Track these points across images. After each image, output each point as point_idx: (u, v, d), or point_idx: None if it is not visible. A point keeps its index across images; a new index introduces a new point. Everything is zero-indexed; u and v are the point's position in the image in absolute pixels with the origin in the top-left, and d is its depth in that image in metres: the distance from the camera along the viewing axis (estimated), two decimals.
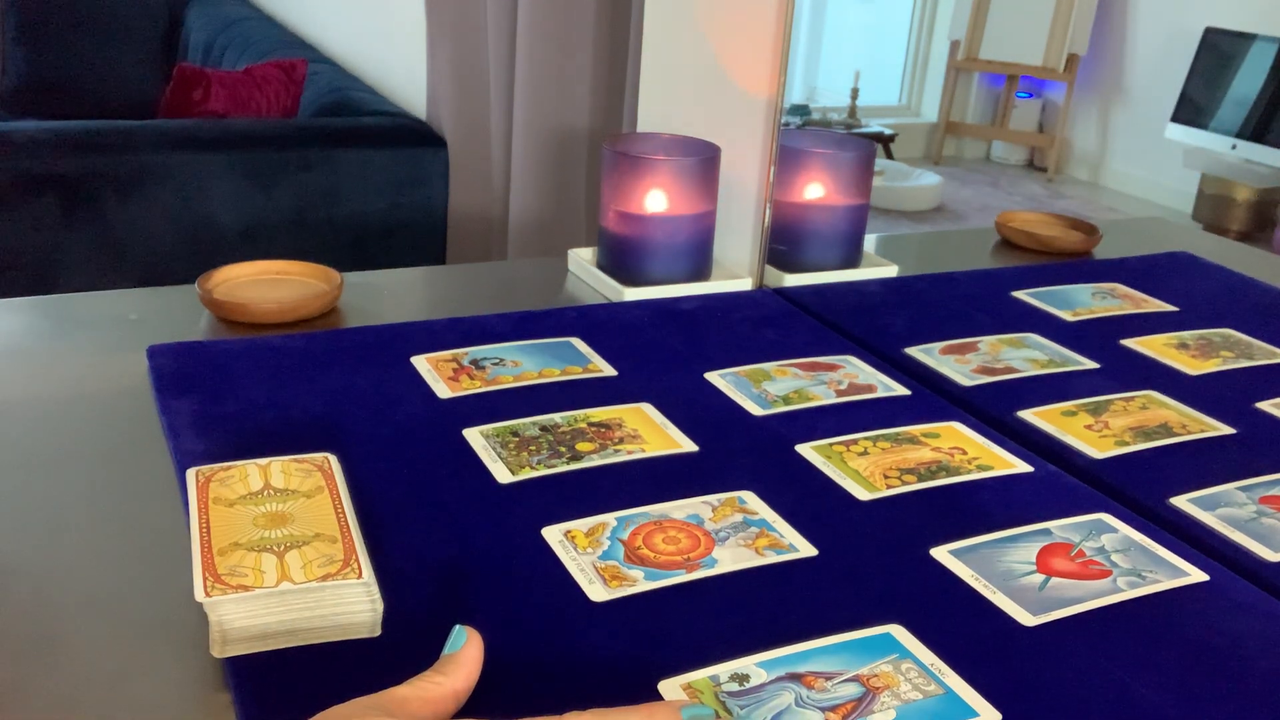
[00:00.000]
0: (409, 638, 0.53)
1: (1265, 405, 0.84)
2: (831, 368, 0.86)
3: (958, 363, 0.89)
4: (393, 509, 0.63)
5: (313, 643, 0.52)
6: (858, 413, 0.79)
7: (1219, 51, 1.27)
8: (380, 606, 0.53)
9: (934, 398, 0.83)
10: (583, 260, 1.06)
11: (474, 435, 0.72)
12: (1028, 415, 0.81)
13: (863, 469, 0.71)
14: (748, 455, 0.73)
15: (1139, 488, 0.71)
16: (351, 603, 0.52)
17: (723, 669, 0.52)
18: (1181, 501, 0.70)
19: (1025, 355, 0.91)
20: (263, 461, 0.61)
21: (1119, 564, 0.62)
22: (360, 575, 0.52)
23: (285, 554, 0.53)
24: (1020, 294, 1.05)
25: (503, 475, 0.68)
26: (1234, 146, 1.29)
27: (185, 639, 0.53)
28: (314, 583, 0.52)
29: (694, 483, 0.68)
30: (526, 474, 0.68)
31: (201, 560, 0.52)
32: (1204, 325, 0.99)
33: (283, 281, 0.95)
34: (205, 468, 0.61)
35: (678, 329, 0.92)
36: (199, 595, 0.50)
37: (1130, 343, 0.95)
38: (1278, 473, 0.74)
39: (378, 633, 0.53)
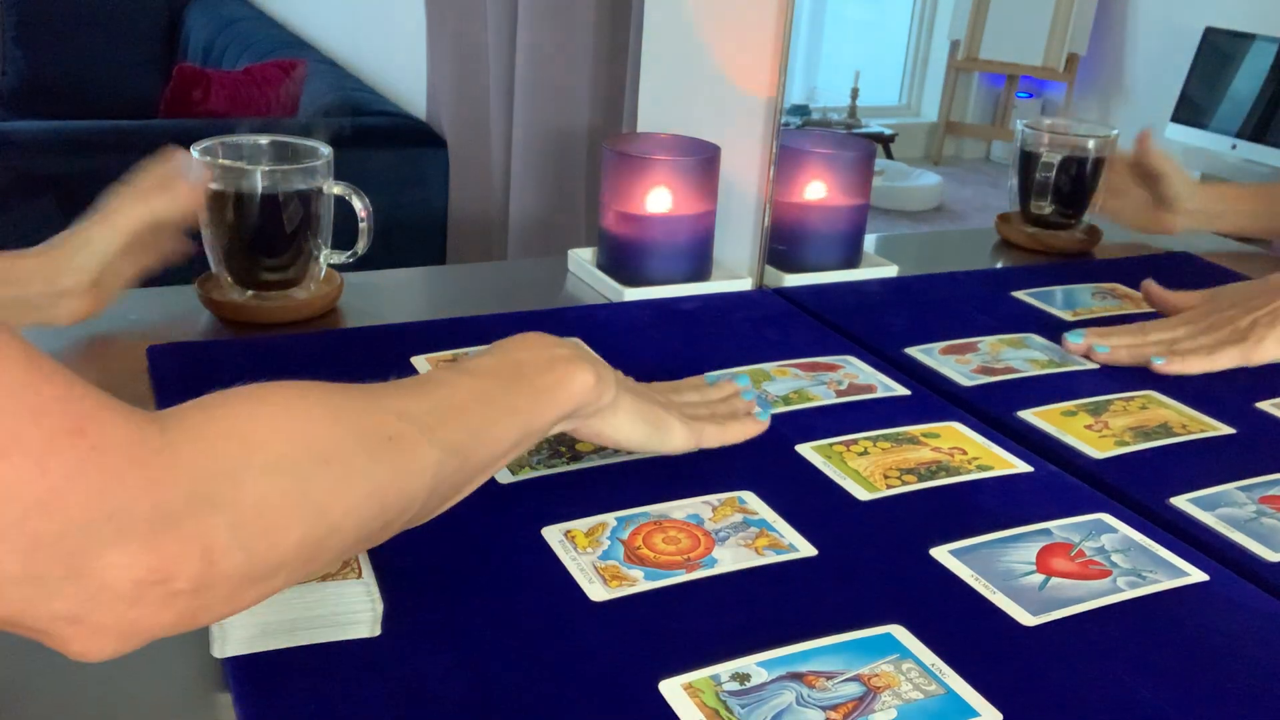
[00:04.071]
0: (409, 638, 0.53)
1: (1265, 405, 0.84)
2: (831, 368, 0.86)
3: (958, 363, 0.89)
4: None
5: (313, 642, 0.52)
6: (858, 413, 0.79)
7: (1219, 51, 1.27)
8: (380, 607, 0.53)
9: (934, 398, 0.83)
10: (583, 260, 1.06)
11: None
12: (1028, 415, 0.81)
13: (863, 469, 0.71)
14: (748, 455, 0.73)
15: (1139, 488, 0.71)
16: (351, 602, 0.52)
17: (723, 669, 0.52)
18: (1181, 501, 0.70)
19: (1025, 355, 0.91)
20: None
21: (1119, 564, 0.62)
22: (360, 575, 0.52)
23: None
24: (1020, 294, 1.05)
25: (503, 475, 0.68)
26: (1234, 146, 1.29)
27: (185, 639, 0.53)
28: (314, 583, 0.52)
29: (694, 483, 0.68)
30: (526, 474, 0.68)
31: None
32: None
33: None
34: None
35: (678, 329, 0.92)
36: None
37: None
38: (1278, 473, 0.74)
39: (378, 632, 0.53)
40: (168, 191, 0.80)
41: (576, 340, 0.64)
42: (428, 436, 0.49)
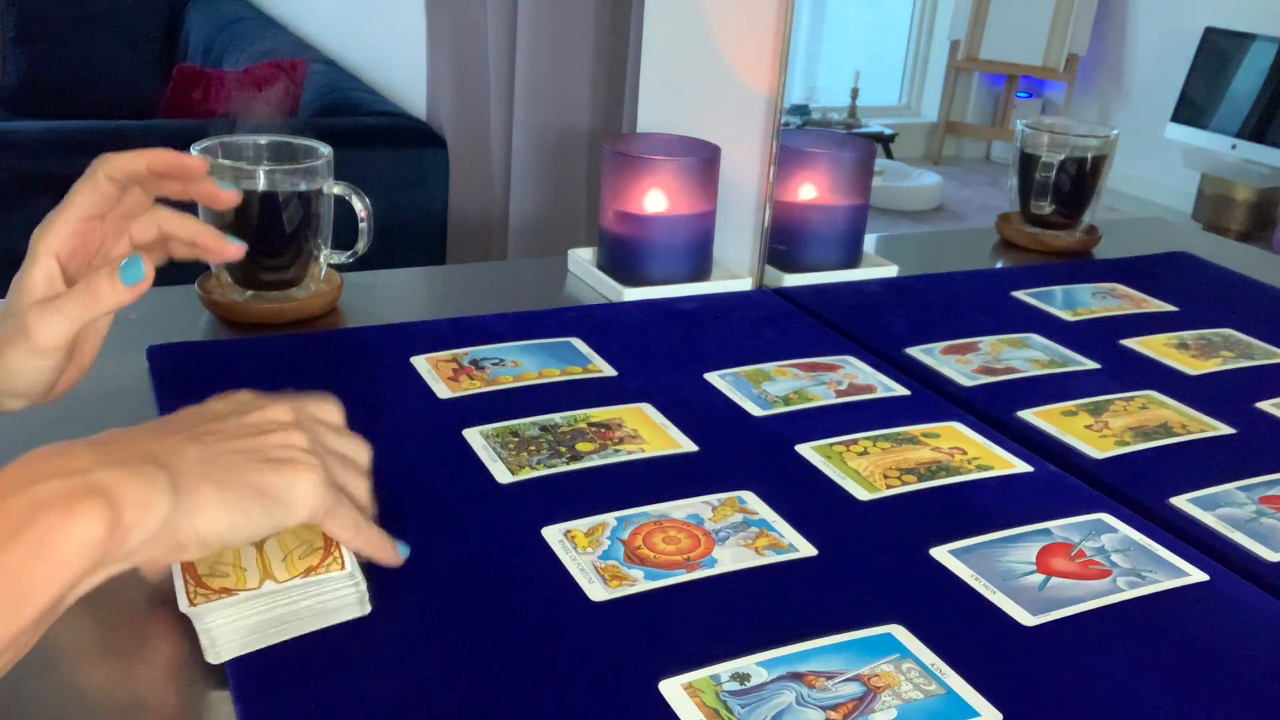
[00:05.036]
0: (409, 638, 0.53)
1: (1265, 405, 0.84)
2: (831, 368, 0.86)
3: (959, 363, 0.89)
4: (393, 509, 0.63)
5: (304, 632, 0.52)
6: (858, 413, 0.79)
7: (1219, 51, 1.27)
8: (364, 584, 0.53)
9: (934, 398, 0.83)
10: (583, 260, 1.06)
11: (474, 435, 0.72)
12: (1028, 415, 0.81)
13: (863, 469, 0.71)
14: (748, 455, 0.73)
15: (1139, 488, 0.71)
16: (333, 588, 0.52)
17: (723, 668, 0.52)
18: (1181, 501, 0.70)
19: (1026, 355, 0.91)
20: None
21: (1119, 564, 0.62)
22: (343, 567, 0.52)
23: (264, 544, 0.53)
24: (1020, 294, 1.05)
25: (503, 475, 0.68)
26: (1234, 146, 1.29)
27: (185, 639, 0.53)
28: (297, 579, 0.51)
29: (694, 483, 0.68)
30: (526, 474, 0.68)
31: (181, 566, 0.52)
32: (1204, 325, 0.99)
33: None
34: None
35: (678, 329, 0.92)
36: (183, 606, 0.50)
37: (1130, 343, 0.95)
38: (1278, 473, 0.74)
39: (368, 609, 0.53)
40: (87, 294, 0.60)
41: (80, 443, 0.46)
42: None
